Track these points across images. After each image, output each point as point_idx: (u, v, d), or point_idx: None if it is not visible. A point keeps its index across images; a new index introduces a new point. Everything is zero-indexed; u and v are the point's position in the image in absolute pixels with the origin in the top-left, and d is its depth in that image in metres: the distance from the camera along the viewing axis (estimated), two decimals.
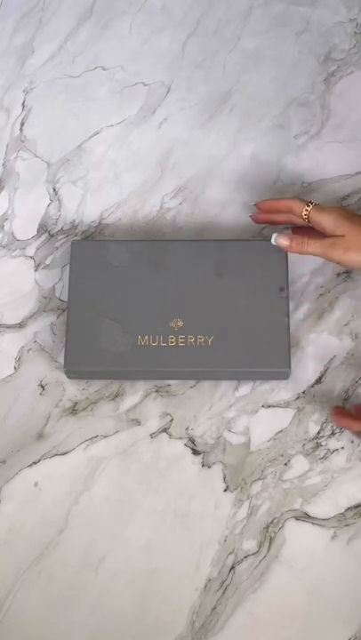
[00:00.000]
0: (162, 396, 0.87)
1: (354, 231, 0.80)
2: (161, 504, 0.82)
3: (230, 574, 0.79)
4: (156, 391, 0.87)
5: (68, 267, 0.93)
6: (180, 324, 0.84)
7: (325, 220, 0.81)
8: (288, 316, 0.85)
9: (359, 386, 0.86)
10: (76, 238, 0.95)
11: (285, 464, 0.83)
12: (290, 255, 0.88)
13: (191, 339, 0.84)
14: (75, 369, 0.85)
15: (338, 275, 0.92)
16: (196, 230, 0.95)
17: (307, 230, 0.85)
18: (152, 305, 0.86)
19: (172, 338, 0.84)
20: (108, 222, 0.96)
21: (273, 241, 0.84)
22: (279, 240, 0.83)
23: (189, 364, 0.84)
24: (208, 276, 0.87)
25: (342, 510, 0.81)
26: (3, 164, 1.00)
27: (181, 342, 0.84)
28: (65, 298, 0.91)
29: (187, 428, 0.85)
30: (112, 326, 0.84)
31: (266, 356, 0.83)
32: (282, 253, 0.87)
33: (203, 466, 0.84)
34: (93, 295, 0.86)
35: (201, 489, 0.83)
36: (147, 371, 0.85)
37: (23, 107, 1.04)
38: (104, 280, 0.87)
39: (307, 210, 0.83)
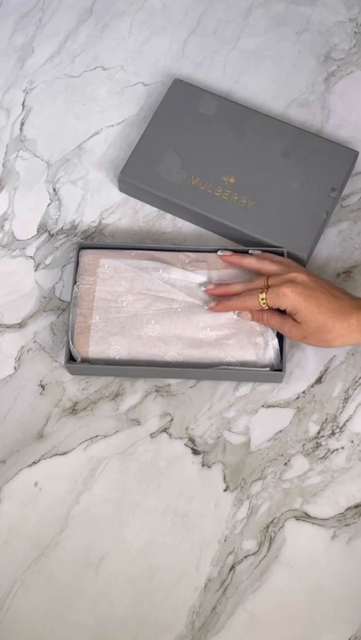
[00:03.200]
0: (162, 395, 0.87)
1: (310, 317, 0.79)
2: (161, 504, 0.82)
3: (230, 574, 0.79)
4: (156, 391, 0.87)
5: (67, 267, 0.93)
6: (232, 180, 0.92)
7: (283, 307, 0.80)
8: (328, 213, 0.91)
9: (359, 385, 0.86)
10: (76, 238, 0.95)
11: (285, 464, 0.83)
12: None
13: (235, 196, 0.92)
14: (129, 181, 0.94)
15: (338, 275, 0.92)
16: (196, 230, 0.95)
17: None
18: (215, 156, 0.94)
19: (219, 189, 0.92)
20: (107, 222, 0.96)
21: (235, 316, 0.85)
22: (241, 316, 0.85)
23: (224, 217, 0.91)
24: (275, 153, 0.94)
25: (342, 510, 0.81)
26: (3, 164, 1.00)
27: (225, 196, 0.92)
28: (65, 298, 0.92)
29: (187, 428, 0.85)
30: (174, 158, 0.94)
31: (291, 237, 0.89)
32: (349, 160, 0.93)
33: (203, 466, 0.84)
34: (170, 127, 0.96)
35: (201, 489, 0.83)
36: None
37: (23, 107, 1.04)
38: (185, 120, 0.96)
39: (263, 299, 0.81)
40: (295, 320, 0.80)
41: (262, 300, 0.81)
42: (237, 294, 0.84)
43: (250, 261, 0.86)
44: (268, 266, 0.84)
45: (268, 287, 0.81)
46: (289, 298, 0.79)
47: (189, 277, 0.87)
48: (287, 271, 0.82)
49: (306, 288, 0.80)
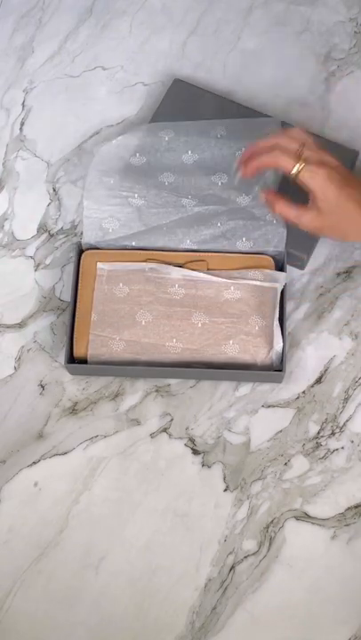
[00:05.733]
0: (162, 395, 0.87)
1: (336, 208, 0.75)
2: (161, 504, 0.82)
3: (230, 574, 0.79)
4: (156, 391, 0.87)
5: (67, 267, 0.93)
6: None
7: (312, 187, 0.76)
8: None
9: (359, 385, 0.86)
10: (75, 238, 0.95)
11: (285, 464, 0.83)
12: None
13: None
14: None
15: (338, 274, 0.92)
16: None
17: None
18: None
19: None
20: None
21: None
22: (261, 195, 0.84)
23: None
24: None
25: (342, 510, 0.81)
26: (3, 164, 1.00)
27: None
28: (65, 298, 0.92)
29: (187, 428, 0.85)
30: None
31: (292, 237, 0.87)
32: (349, 160, 0.92)
33: (203, 466, 0.84)
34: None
35: (201, 489, 0.83)
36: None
37: (23, 106, 1.04)
38: (184, 119, 0.96)
39: (297, 169, 0.76)
40: (318, 206, 0.76)
41: (296, 168, 0.76)
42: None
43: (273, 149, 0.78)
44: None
45: (303, 160, 0.76)
46: (324, 182, 0.75)
47: (190, 275, 0.87)
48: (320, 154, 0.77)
49: (341, 177, 0.75)
